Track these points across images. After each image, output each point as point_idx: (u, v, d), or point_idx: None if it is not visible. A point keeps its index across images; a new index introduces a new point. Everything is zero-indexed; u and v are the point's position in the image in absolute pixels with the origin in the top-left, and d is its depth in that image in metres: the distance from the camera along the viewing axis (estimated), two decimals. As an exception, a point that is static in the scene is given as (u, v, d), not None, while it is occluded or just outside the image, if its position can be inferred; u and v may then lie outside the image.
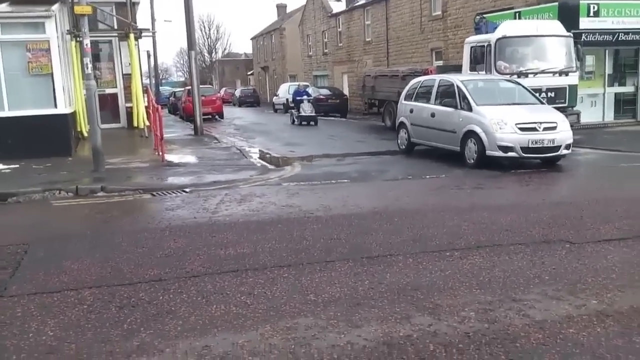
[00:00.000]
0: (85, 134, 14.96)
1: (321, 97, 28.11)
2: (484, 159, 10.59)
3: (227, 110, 32.81)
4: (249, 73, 66.98)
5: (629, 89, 18.62)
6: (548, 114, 11.02)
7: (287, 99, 35.14)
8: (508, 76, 13.67)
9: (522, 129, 10.32)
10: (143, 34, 18.10)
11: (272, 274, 4.92)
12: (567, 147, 10.67)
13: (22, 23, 12.26)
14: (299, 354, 3.46)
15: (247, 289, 4.59)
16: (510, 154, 10.37)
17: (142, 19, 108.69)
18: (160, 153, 12.23)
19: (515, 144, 10.27)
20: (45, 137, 11.95)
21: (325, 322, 3.93)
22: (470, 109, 10.96)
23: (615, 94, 18.54)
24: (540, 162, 11.10)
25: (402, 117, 13.41)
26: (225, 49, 76.34)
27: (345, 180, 9.82)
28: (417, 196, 8.66)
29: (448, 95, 11.78)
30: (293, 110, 23.87)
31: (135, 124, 17.36)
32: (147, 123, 16.29)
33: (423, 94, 12.87)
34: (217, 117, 28.69)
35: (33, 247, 5.92)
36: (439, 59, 24.48)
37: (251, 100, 46.82)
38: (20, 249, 5.85)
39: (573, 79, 14.49)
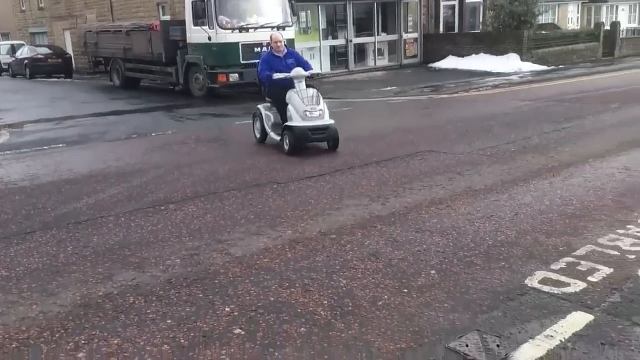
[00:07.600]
0: None
1: (40, 56, 25.61)
2: None
3: None
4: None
5: (341, 42, 20.59)
6: None
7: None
8: (230, 31, 13.96)
9: None
10: None
11: (-43, 255, 4.34)
12: None
13: None
14: (-20, 335, 3.14)
15: None
16: None
17: None
18: None
19: None
20: None
21: (17, 296, 3.64)
22: None
23: (330, 46, 20.34)
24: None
25: None
26: None
27: (61, 145, 9.05)
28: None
29: None
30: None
31: None
32: None
33: None
34: None
35: None
36: (166, 13, 23.76)
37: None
38: None
39: (290, 33, 15.37)
